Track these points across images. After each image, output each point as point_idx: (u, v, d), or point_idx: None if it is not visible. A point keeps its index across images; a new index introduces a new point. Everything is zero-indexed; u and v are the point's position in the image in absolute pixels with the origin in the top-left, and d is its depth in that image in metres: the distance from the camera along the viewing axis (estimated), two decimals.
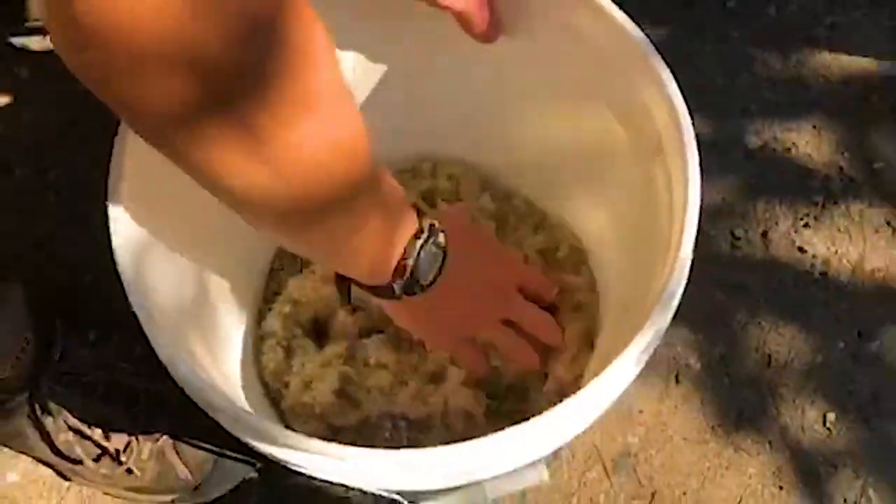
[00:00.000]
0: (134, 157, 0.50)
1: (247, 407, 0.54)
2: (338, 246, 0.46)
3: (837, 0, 0.96)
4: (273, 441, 0.44)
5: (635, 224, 0.58)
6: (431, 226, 0.52)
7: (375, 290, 0.53)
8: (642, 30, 0.53)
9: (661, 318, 0.45)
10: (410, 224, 0.51)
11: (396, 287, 0.52)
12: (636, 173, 0.55)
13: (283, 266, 0.70)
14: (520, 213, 0.71)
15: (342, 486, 0.52)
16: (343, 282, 0.57)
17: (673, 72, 0.51)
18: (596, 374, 0.43)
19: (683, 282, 0.46)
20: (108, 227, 0.49)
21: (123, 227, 0.49)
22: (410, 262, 0.51)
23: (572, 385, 0.61)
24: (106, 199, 0.49)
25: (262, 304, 0.69)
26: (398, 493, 0.54)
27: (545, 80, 0.60)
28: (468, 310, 0.59)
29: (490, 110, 0.66)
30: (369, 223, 0.46)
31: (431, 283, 0.53)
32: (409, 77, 0.64)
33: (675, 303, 0.46)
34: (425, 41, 0.59)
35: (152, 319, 0.47)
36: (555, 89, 0.60)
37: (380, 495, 0.56)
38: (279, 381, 0.64)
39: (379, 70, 0.64)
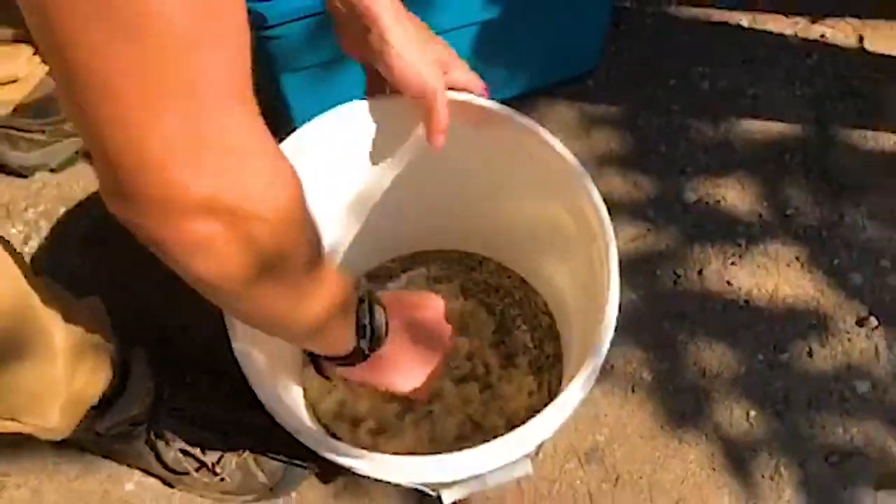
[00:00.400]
0: None
1: (308, 422, 0.76)
2: (327, 330, 0.61)
3: (758, 75, 1.18)
4: (334, 450, 0.66)
5: (585, 283, 0.81)
6: (365, 286, 0.67)
7: (347, 358, 0.67)
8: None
9: (593, 363, 0.66)
10: (354, 295, 0.64)
11: (363, 345, 0.66)
12: (582, 251, 0.77)
13: None
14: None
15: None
16: (316, 359, 0.74)
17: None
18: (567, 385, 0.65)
19: (609, 337, 0.67)
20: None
21: None
22: (366, 321, 0.65)
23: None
24: None
25: None
26: (423, 483, 0.76)
27: (518, 183, 0.82)
28: (417, 347, 0.74)
29: (479, 204, 0.89)
30: (338, 302, 0.58)
31: (385, 334, 0.69)
32: (416, 186, 0.86)
33: (604, 350, 0.66)
34: (427, 159, 0.82)
35: (251, 363, 0.68)
36: (524, 190, 0.82)
37: (408, 486, 0.79)
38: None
39: (389, 182, 0.86)
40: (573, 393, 0.65)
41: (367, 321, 0.66)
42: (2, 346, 0.67)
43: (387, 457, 0.64)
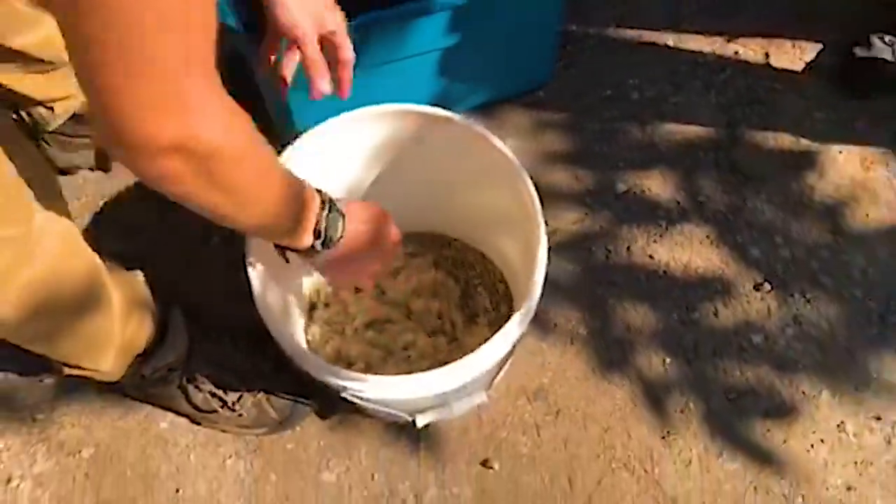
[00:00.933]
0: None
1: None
2: (274, 231, 0.76)
3: (680, 86, 1.41)
4: (335, 374, 0.87)
5: (524, 254, 1.03)
6: (329, 198, 0.79)
7: (304, 252, 0.80)
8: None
9: (526, 306, 0.87)
10: (315, 199, 0.77)
11: (317, 245, 0.78)
12: (523, 230, 0.99)
13: (318, 292, 1.17)
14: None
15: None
16: (280, 249, 0.84)
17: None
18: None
19: (539, 289, 0.88)
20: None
21: (258, 272, 0.92)
22: (322, 226, 0.77)
23: None
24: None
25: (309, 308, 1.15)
26: (401, 402, 0.98)
27: (475, 178, 1.03)
28: (363, 257, 0.86)
29: (447, 195, 1.11)
30: (288, 212, 0.72)
31: (340, 238, 0.80)
32: (398, 180, 1.08)
33: (536, 297, 0.88)
34: (406, 159, 1.04)
35: (270, 316, 0.90)
36: (481, 183, 1.03)
37: (390, 414, 1.01)
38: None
39: (375, 177, 1.08)
40: (512, 326, 0.87)
41: (323, 226, 0.78)
42: (78, 302, 0.88)
43: (373, 377, 0.86)
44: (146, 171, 0.57)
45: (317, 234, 0.78)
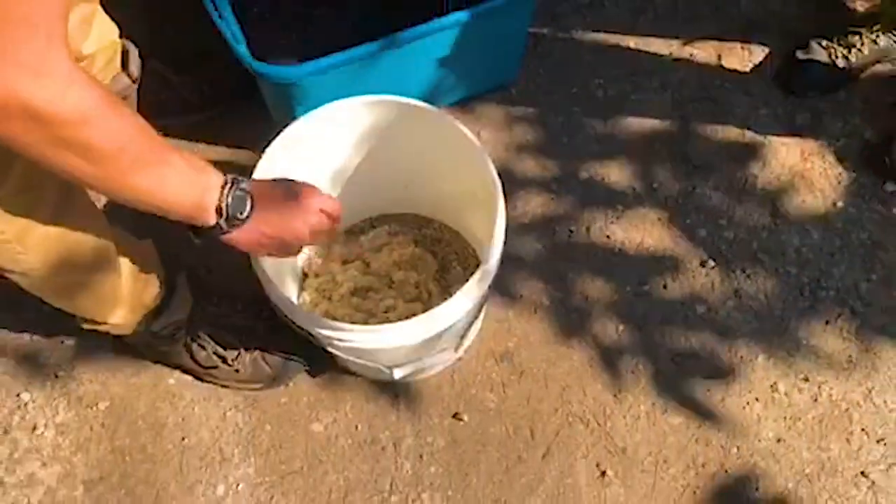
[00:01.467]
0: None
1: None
2: (171, 208, 0.77)
3: (639, 85, 1.56)
4: (323, 325, 1.01)
5: (490, 230, 1.17)
6: (234, 178, 0.81)
7: (210, 230, 0.81)
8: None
9: (483, 269, 1.01)
10: (216, 180, 0.79)
11: (222, 223, 0.81)
12: (487, 209, 1.13)
13: (310, 263, 1.31)
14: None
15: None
16: (191, 230, 0.84)
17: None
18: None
19: (495, 264, 1.02)
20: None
21: None
22: (224, 204, 0.80)
23: None
24: None
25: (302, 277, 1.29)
26: (381, 351, 1.12)
27: (449, 164, 1.17)
28: (277, 232, 0.87)
29: (425, 180, 1.25)
30: (175, 187, 0.75)
31: (247, 217, 0.82)
32: (381, 166, 1.22)
33: (494, 262, 1.02)
34: (388, 147, 1.18)
35: (268, 280, 1.03)
36: (454, 169, 1.17)
37: (370, 367, 1.15)
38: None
39: (360, 162, 1.22)
40: (472, 285, 1.01)
41: (226, 202, 0.80)
42: (94, 263, 1.01)
43: (357, 327, 1.00)
44: None
45: (219, 212, 0.81)
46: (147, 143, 0.72)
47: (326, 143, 1.15)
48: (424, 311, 1.29)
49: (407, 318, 1.28)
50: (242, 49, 1.19)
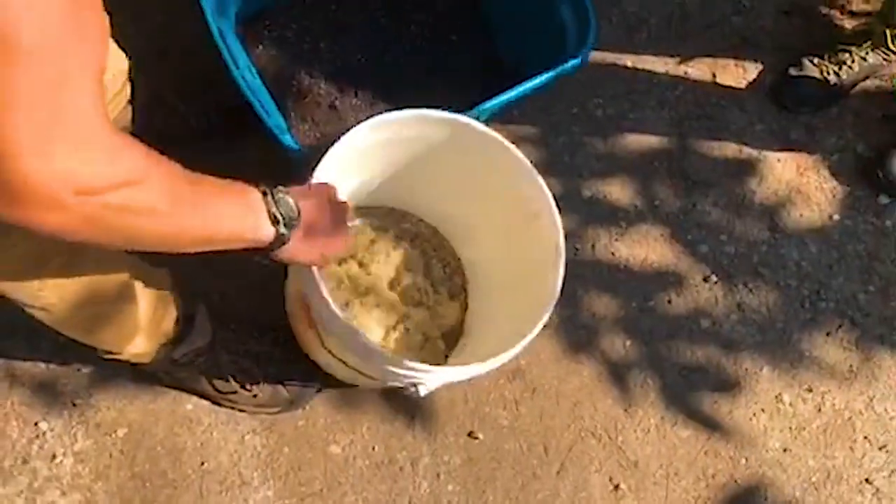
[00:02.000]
0: None
1: None
2: (230, 236, 0.75)
3: (637, 103, 1.59)
4: (410, 367, 1.00)
5: (519, 257, 1.19)
6: (265, 185, 0.79)
7: (273, 245, 0.79)
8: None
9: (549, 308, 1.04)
10: (254, 193, 0.77)
11: (282, 230, 0.78)
12: (518, 227, 1.14)
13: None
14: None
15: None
16: (254, 252, 0.81)
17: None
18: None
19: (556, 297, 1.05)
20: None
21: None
22: (274, 209, 0.77)
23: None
24: None
25: None
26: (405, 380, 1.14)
27: (471, 179, 1.19)
28: (324, 233, 0.89)
29: (448, 191, 1.26)
30: (226, 212, 0.73)
31: (298, 215, 0.81)
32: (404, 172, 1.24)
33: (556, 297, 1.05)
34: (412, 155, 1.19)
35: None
36: (475, 182, 1.20)
37: (393, 382, 1.17)
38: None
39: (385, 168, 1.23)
40: (541, 321, 1.06)
41: (275, 209, 0.78)
42: (113, 295, 1.02)
43: (445, 369, 1.04)
44: (44, 224, 0.57)
45: (274, 220, 0.78)
46: (190, 183, 0.70)
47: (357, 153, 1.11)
48: (429, 314, 1.30)
49: (417, 325, 1.28)
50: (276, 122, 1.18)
